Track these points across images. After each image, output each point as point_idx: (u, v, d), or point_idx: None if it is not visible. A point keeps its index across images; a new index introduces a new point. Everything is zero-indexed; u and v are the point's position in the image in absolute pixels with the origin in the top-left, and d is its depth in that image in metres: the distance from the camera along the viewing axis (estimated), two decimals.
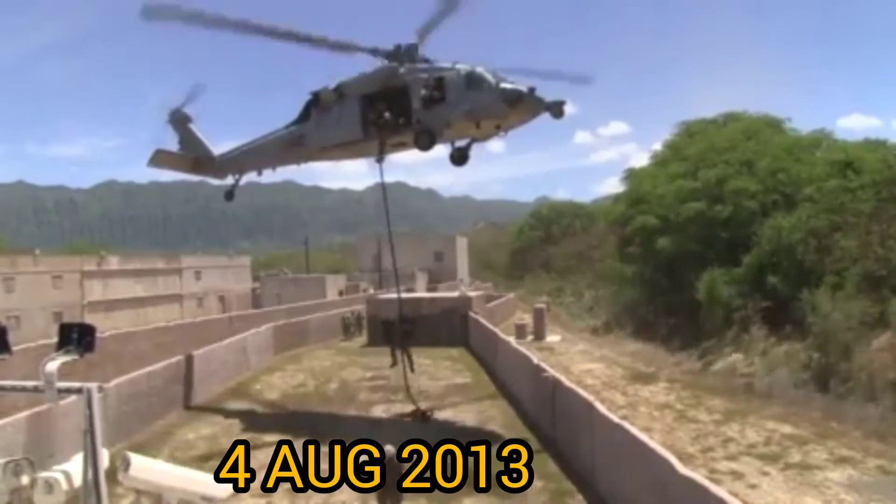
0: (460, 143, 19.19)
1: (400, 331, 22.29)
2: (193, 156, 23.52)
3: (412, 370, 20.80)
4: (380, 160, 19.63)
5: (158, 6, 16.74)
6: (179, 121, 23.55)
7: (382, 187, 20.15)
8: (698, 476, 9.28)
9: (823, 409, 18.46)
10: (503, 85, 16.96)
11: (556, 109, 16.83)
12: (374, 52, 18.43)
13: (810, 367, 20.31)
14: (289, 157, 21.67)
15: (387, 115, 18.64)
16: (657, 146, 42.70)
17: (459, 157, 19.31)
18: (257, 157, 22.25)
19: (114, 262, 59.03)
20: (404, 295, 43.68)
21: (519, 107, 16.92)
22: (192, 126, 23.69)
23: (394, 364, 22.69)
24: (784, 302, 23.97)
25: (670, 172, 35.68)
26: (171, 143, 23.79)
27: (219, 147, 23.78)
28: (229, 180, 23.60)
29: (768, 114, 36.47)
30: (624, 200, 41.40)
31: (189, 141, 23.59)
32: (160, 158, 23.14)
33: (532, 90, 16.72)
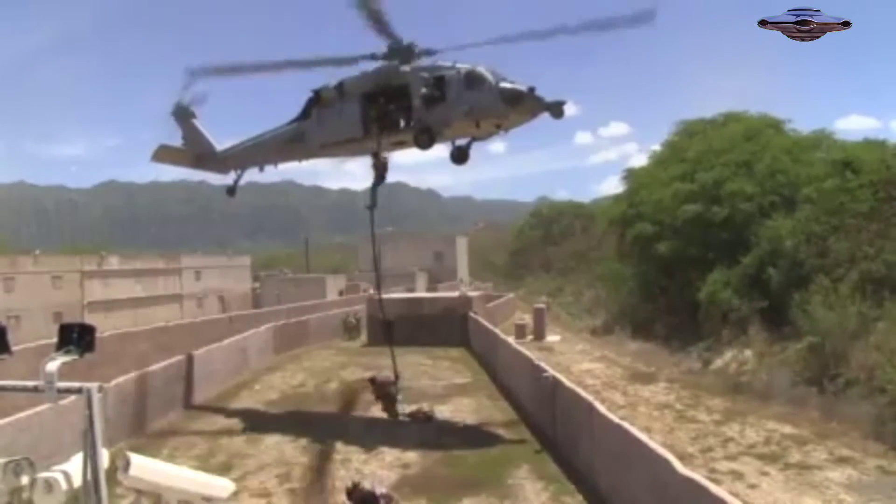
0: (461, 142, 19.17)
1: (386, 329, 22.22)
2: (196, 151, 23.55)
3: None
4: (375, 160, 19.70)
5: (204, 68, 20.03)
6: (183, 116, 23.53)
7: (374, 191, 20.22)
8: (698, 476, 9.30)
9: (823, 409, 18.45)
10: (503, 84, 16.91)
11: (556, 109, 16.77)
12: (373, 56, 18.43)
13: (809, 368, 20.29)
14: (290, 154, 21.78)
15: (387, 113, 18.70)
16: (657, 146, 42.66)
17: (460, 156, 19.28)
18: (259, 153, 22.32)
19: (114, 263, 59.06)
20: (404, 295, 43.75)
21: (519, 107, 16.88)
22: (196, 122, 23.71)
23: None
24: (782, 302, 23.96)
25: (669, 174, 35.69)
26: (172, 139, 23.78)
27: (221, 144, 23.82)
28: (232, 176, 23.69)
29: (768, 114, 36.42)
30: (624, 200, 41.40)
31: (192, 136, 23.61)
32: (163, 153, 23.19)
33: (532, 90, 16.65)
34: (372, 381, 19.05)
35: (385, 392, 18.57)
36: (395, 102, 18.63)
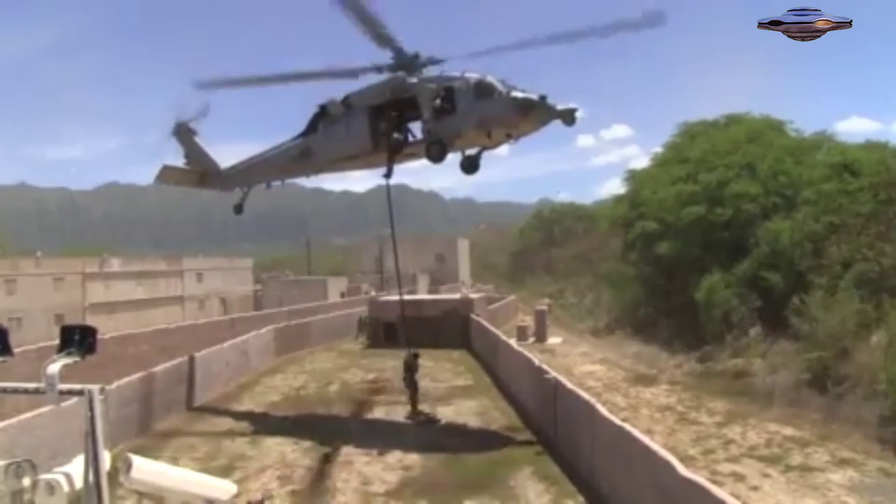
0: (470, 152, 18.83)
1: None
2: (200, 170, 23.18)
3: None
4: (388, 175, 19.25)
5: (210, 80, 19.87)
6: (184, 134, 23.07)
7: (389, 201, 19.97)
8: (700, 478, 9.29)
9: (824, 411, 18.44)
10: (513, 93, 16.56)
11: (568, 116, 16.39)
12: (379, 69, 18.05)
13: (810, 369, 20.26)
14: (297, 170, 21.34)
15: (396, 126, 18.36)
16: (658, 149, 42.56)
17: (470, 166, 18.95)
18: (265, 170, 21.91)
19: (115, 264, 59.01)
20: (406, 297, 43.65)
21: (530, 115, 16.50)
22: (198, 139, 23.37)
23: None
24: (782, 304, 23.93)
25: (671, 175, 35.65)
26: (172, 150, 23.56)
27: (220, 155, 23.55)
28: (237, 193, 23.44)
29: (770, 116, 36.35)
30: (625, 201, 41.37)
31: (195, 155, 23.20)
32: (167, 174, 22.82)
33: (543, 98, 16.29)
34: None
35: None
36: (404, 115, 18.32)
